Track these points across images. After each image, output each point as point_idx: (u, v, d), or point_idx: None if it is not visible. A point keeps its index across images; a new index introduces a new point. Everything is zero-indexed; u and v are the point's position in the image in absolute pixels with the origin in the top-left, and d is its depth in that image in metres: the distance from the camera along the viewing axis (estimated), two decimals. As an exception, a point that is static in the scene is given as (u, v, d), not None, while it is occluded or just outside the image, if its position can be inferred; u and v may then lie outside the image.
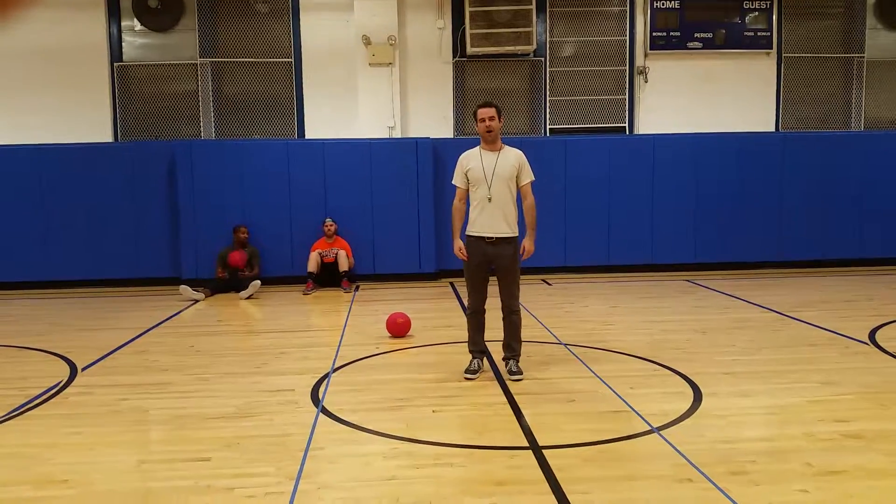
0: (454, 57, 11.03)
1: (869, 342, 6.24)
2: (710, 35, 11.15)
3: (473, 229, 5.27)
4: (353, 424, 4.37)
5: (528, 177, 5.30)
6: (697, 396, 4.80)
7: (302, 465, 3.76)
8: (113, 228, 10.21)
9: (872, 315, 7.38)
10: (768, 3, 11.15)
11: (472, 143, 5.49)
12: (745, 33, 11.21)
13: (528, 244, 5.30)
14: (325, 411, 4.62)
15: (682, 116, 11.24)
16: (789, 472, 3.57)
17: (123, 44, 10.95)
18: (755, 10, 11.19)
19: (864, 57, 11.38)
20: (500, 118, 5.24)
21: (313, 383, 5.26)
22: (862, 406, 4.57)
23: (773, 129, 11.48)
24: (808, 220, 10.84)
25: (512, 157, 5.25)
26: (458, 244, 5.31)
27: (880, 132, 11.29)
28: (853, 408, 4.54)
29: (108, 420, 4.58)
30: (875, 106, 11.59)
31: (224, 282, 9.56)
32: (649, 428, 4.21)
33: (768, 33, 11.21)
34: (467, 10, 10.48)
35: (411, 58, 10.99)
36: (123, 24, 10.91)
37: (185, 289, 9.17)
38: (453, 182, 5.39)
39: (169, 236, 10.26)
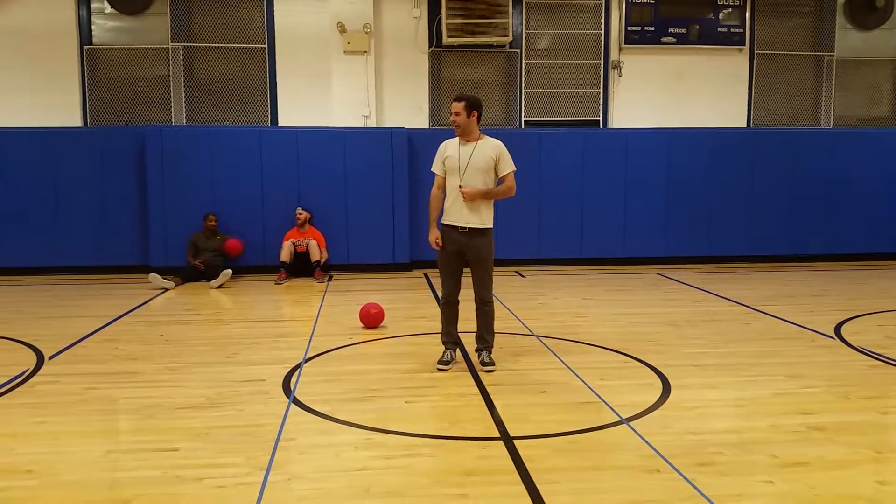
0: (430, 47, 10.99)
1: (834, 336, 6.37)
2: (683, 30, 11.23)
3: (447, 218, 5.27)
4: (325, 415, 4.36)
5: (508, 167, 5.23)
6: (666, 388, 4.86)
7: (272, 455, 3.74)
8: (81, 215, 10.04)
9: (838, 309, 7.52)
10: (742, 0, 11.26)
11: (447, 134, 5.49)
12: (719, 29, 11.31)
13: (475, 189, 5.12)
14: (296, 402, 4.60)
15: (655, 111, 11.34)
16: (755, 464, 3.63)
17: (93, 27, 10.73)
18: (729, 6, 11.29)
19: (833, 56, 11.56)
20: (470, 113, 5.15)
21: (285, 373, 5.23)
22: (826, 399, 4.67)
23: (744, 124, 11.61)
24: (777, 216, 11.02)
25: (489, 149, 5.22)
26: (435, 234, 5.29)
27: (848, 130, 11.50)
28: (818, 400, 4.63)
29: (75, 409, 4.51)
30: (843, 104, 11.79)
31: (195, 270, 9.44)
32: (619, 419, 4.26)
33: (741, 30, 11.33)
34: (444, -1, 10.44)
35: (387, 47, 10.92)
36: (93, 6, 10.68)
37: (154, 277, 9.05)
38: (432, 169, 5.38)
39: (138, 223, 10.11)
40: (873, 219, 11.17)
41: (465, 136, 5.23)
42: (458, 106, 5.17)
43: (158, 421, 4.29)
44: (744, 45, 11.38)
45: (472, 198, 5.12)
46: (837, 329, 6.62)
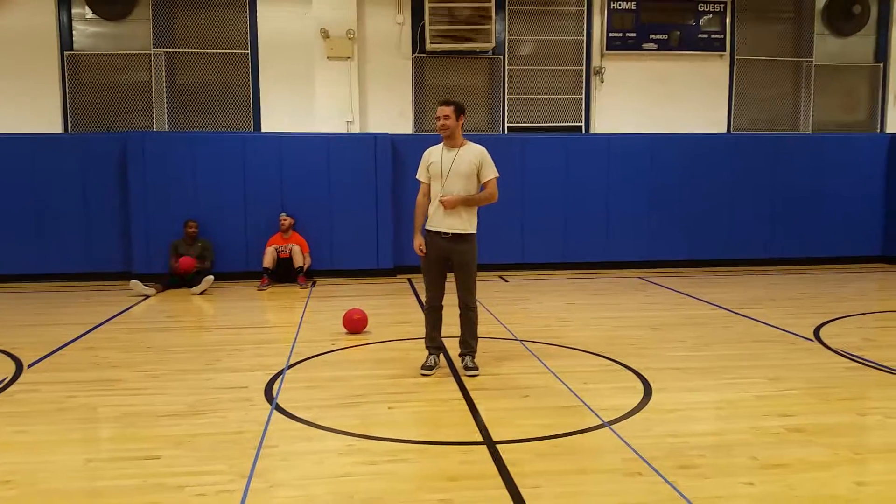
0: (413, 52, 11.01)
1: (814, 339, 6.43)
2: (665, 37, 11.33)
3: (431, 224, 5.28)
4: (308, 421, 4.34)
5: (491, 173, 5.25)
6: (648, 391, 4.89)
7: (254, 462, 3.73)
8: (62, 222, 9.95)
9: (817, 312, 7.60)
10: (722, 6, 11.38)
11: (431, 139, 5.51)
12: (700, 35, 11.42)
13: (455, 197, 5.13)
14: (279, 408, 4.58)
15: (636, 116, 11.42)
16: (736, 466, 3.66)
17: (74, 32, 10.66)
18: (709, 12, 11.41)
19: (812, 61, 11.71)
20: (458, 117, 5.21)
21: (267, 380, 5.21)
22: (806, 401, 4.71)
23: (725, 129, 11.73)
24: (758, 220, 11.13)
25: (472, 154, 5.23)
26: (419, 241, 5.30)
27: (827, 134, 11.64)
28: (797, 402, 4.68)
29: (55, 418, 4.47)
30: (822, 109, 11.94)
31: (177, 276, 9.37)
32: (601, 422, 4.28)
33: (722, 36, 11.44)
34: (427, 5, 10.46)
35: (370, 52, 10.93)
36: (74, 11, 10.61)
37: (135, 283, 8.99)
38: (417, 177, 5.40)
39: (120, 230, 10.03)
40: (852, 222, 11.32)
41: (451, 141, 5.25)
42: (448, 110, 5.19)
43: (139, 429, 4.25)
44: (724, 50, 11.50)
45: (452, 206, 5.14)
46: (817, 332, 6.69)
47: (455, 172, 5.18)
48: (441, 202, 5.15)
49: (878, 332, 7.02)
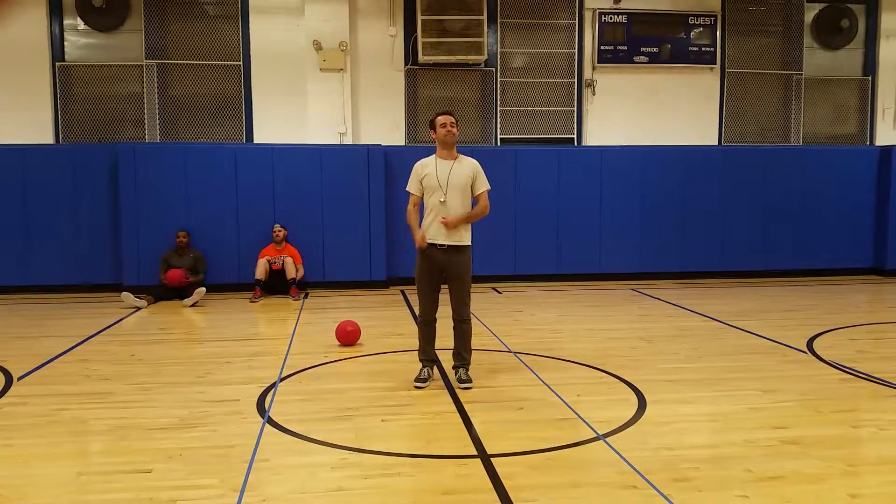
0: (406, 65, 11.04)
1: (807, 351, 6.45)
2: (656, 50, 11.41)
3: (426, 236, 5.28)
4: (300, 435, 4.31)
5: (483, 185, 5.32)
6: (642, 404, 4.89)
7: (246, 476, 3.69)
8: (53, 233, 9.90)
9: (810, 324, 7.62)
10: (712, 19, 11.47)
11: (423, 151, 5.51)
12: (690, 48, 11.50)
13: (456, 217, 5.17)
14: (271, 422, 4.55)
15: (628, 129, 11.47)
16: (730, 479, 3.65)
17: (66, 43, 10.64)
18: (700, 26, 11.49)
19: (801, 74, 11.80)
20: (456, 128, 5.29)
21: (259, 393, 5.17)
22: (799, 413, 4.72)
23: (716, 142, 11.79)
24: (749, 232, 11.18)
25: (467, 167, 5.28)
26: (420, 233, 5.26)
27: (817, 147, 11.72)
28: (791, 415, 4.68)
29: (45, 431, 4.42)
30: (812, 121, 12.03)
31: (167, 289, 9.33)
32: (595, 435, 4.27)
33: (712, 49, 11.53)
34: (419, 18, 10.50)
35: (363, 64, 10.95)
36: (66, 22, 10.60)
37: (126, 295, 8.94)
38: (407, 189, 5.39)
39: (111, 242, 9.99)
40: (842, 234, 11.38)
41: (449, 152, 5.28)
42: (451, 118, 5.27)
43: (131, 442, 4.21)
44: (715, 63, 11.58)
45: (454, 225, 5.16)
46: (809, 343, 6.70)
47: (452, 185, 5.19)
48: (443, 223, 5.16)
49: (870, 343, 7.05)
